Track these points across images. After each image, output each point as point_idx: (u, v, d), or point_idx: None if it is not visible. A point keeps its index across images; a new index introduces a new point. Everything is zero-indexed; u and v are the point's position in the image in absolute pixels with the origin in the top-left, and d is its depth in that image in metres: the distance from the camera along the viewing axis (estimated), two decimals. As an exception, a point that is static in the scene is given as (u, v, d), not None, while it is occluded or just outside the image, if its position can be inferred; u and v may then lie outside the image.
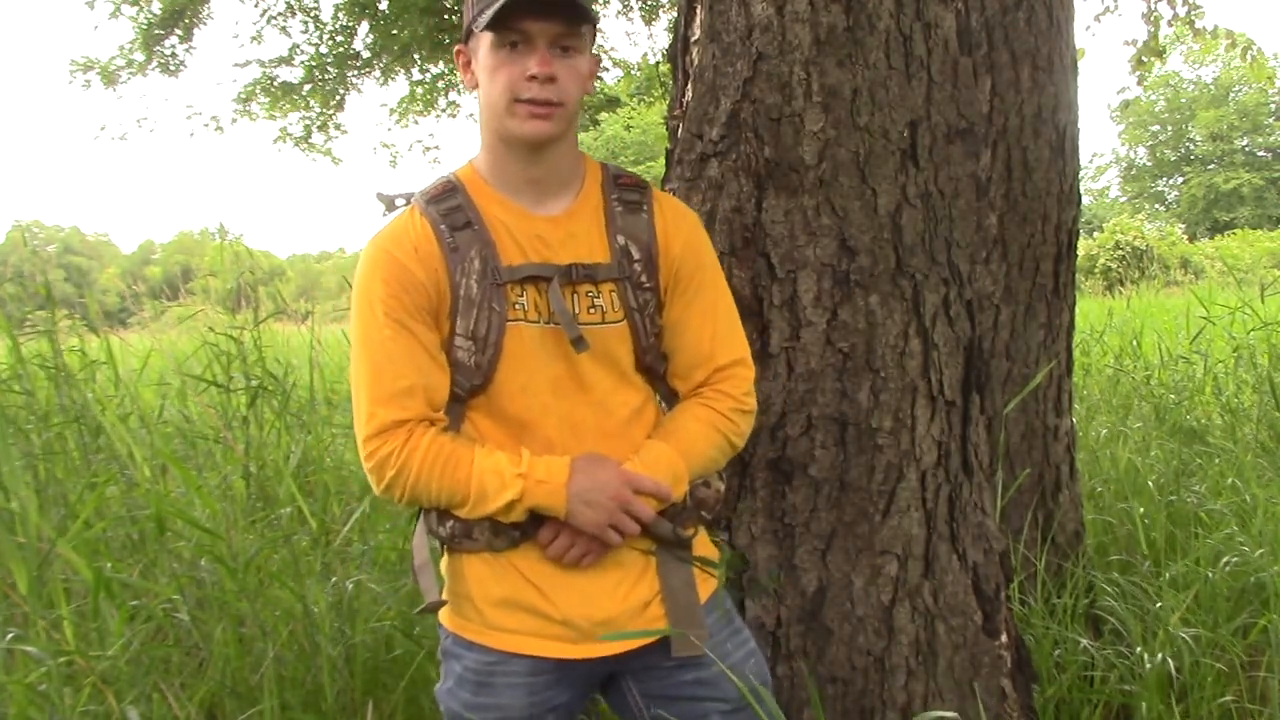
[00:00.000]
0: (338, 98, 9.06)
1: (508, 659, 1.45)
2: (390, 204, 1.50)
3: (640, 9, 9.23)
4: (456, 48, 1.49)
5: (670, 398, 1.58)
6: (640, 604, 1.48)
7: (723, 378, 1.53)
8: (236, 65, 8.73)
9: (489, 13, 1.34)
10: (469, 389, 1.43)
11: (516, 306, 1.42)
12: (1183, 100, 47.94)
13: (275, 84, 8.78)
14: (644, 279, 1.49)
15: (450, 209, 1.43)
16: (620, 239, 1.48)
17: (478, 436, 1.45)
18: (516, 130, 1.39)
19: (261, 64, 8.68)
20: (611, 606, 1.46)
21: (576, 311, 1.44)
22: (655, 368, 1.54)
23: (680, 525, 1.50)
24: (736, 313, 1.59)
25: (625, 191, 1.51)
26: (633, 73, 10.08)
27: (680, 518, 1.50)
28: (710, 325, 1.53)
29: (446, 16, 8.05)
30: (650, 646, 1.49)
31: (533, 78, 1.36)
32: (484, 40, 1.39)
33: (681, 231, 1.53)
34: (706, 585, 1.55)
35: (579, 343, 1.42)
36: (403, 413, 1.38)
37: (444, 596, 1.50)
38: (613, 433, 1.47)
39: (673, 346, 1.53)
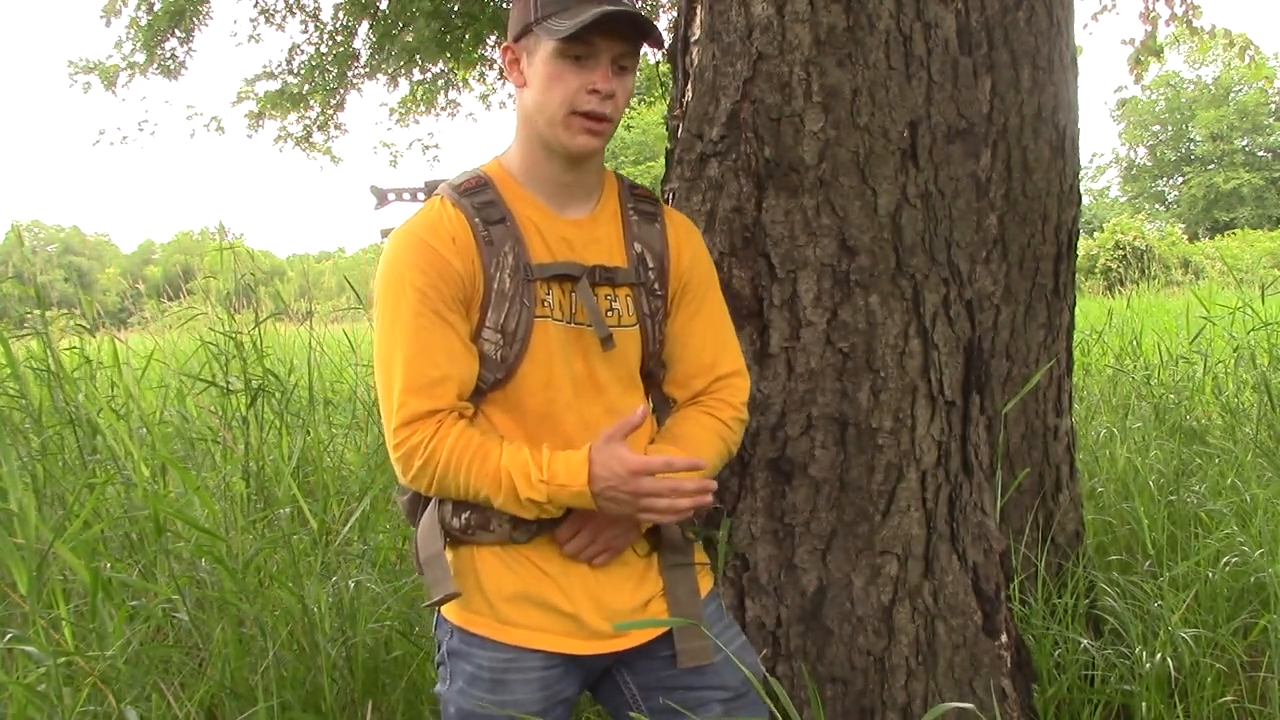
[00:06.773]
0: (338, 97, 9.04)
1: (522, 655, 1.45)
2: (383, 198, 1.51)
3: (640, 9, 9.21)
4: (504, 44, 1.47)
5: (662, 404, 1.61)
6: (644, 601, 1.50)
7: (721, 387, 1.56)
8: (246, 81, 8.72)
9: (566, 25, 1.33)
10: (490, 383, 1.44)
11: (544, 303, 1.44)
12: (1183, 100, 47.93)
13: (278, 88, 8.75)
14: (656, 287, 1.52)
15: (484, 203, 1.43)
16: (637, 246, 1.51)
17: (492, 431, 1.45)
18: (568, 143, 1.40)
19: (269, 74, 8.65)
20: (618, 603, 1.48)
21: None
22: (655, 374, 1.58)
23: (684, 530, 1.54)
24: (732, 325, 1.63)
25: (640, 202, 1.55)
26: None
27: (684, 523, 1.52)
28: (714, 336, 1.57)
29: (454, 18, 8.00)
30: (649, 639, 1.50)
31: (595, 92, 1.37)
32: (544, 46, 1.38)
33: (690, 244, 1.57)
34: (704, 581, 1.58)
35: (607, 341, 1.44)
36: (434, 402, 1.38)
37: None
38: None
39: (674, 355, 1.56)
